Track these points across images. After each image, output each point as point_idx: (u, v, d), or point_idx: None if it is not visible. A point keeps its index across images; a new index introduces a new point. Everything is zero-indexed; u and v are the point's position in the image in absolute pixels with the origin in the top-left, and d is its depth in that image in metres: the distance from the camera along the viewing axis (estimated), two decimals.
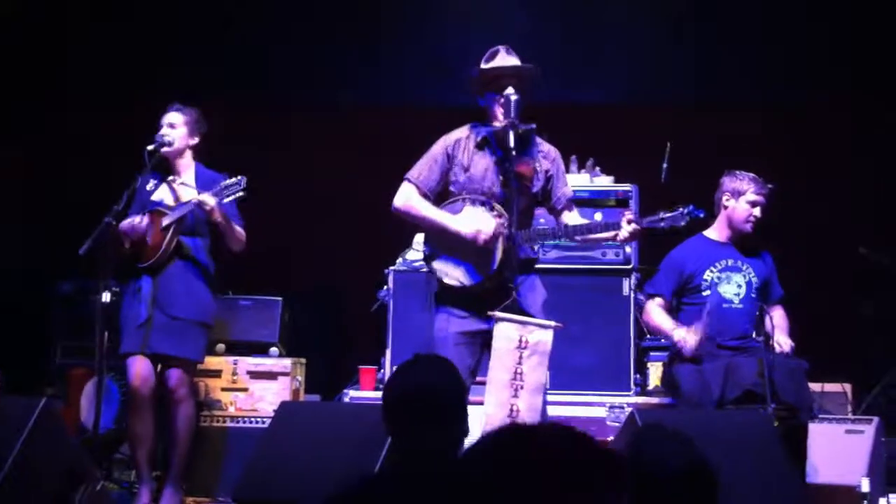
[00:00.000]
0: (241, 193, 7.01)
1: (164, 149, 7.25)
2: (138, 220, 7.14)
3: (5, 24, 9.34)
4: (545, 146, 6.55)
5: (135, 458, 7.18)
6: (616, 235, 6.26)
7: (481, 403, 6.11)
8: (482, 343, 6.23)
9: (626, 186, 8.22)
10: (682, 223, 6.21)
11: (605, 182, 8.32)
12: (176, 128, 7.34)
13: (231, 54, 9.77)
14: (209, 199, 6.98)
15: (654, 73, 9.81)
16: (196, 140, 7.41)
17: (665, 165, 8.01)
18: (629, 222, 6.16)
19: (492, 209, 6.24)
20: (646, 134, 9.20)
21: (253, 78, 10.07)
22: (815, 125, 9.67)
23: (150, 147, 7.17)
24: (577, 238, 6.50)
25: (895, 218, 9.30)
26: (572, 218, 6.54)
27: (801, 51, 9.36)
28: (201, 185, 7.25)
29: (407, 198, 6.43)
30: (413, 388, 3.94)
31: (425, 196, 6.41)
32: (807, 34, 9.28)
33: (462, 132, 6.50)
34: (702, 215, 6.30)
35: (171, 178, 7.36)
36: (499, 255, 6.15)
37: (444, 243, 6.30)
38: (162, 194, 7.34)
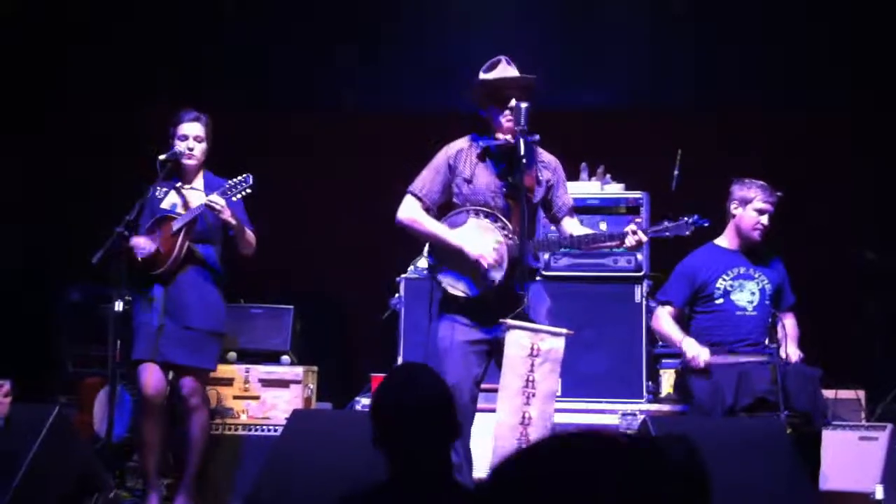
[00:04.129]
0: (248, 191, 6.99)
1: (186, 161, 7.20)
2: (144, 242, 7.08)
3: (5, 24, 9.30)
4: (545, 156, 6.56)
5: (144, 464, 7.15)
6: (621, 244, 6.29)
7: (489, 411, 6.16)
8: (488, 352, 6.27)
9: (637, 194, 8.18)
10: (687, 233, 6.30)
11: (615, 189, 8.30)
12: (201, 142, 7.25)
13: (231, 55, 9.74)
14: (218, 199, 6.94)
15: (656, 75, 9.82)
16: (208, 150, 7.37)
17: (676, 172, 8.02)
18: (634, 232, 6.21)
19: (496, 220, 6.25)
20: (653, 138, 9.23)
21: (253, 80, 10.06)
22: (816, 127, 9.70)
23: (162, 157, 7.09)
24: (582, 247, 6.54)
25: None
26: (573, 225, 6.57)
27: (801, 52, 9.38)
28: (210, 191, 7.18)
29: (410, 211, 6.43)
30: (401, 401, 3.94)
31: (428, 209, 6.43)
32: (807, 34, 9.29)
33: (463, 143, 6.50)
34: (706, 224, 6.37)
35: (179, 184, 7.28)
36: (505, 267, 6.17)
37: (448, 256, 6.30)
38: (172, 201, 7.27)
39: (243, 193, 7.00)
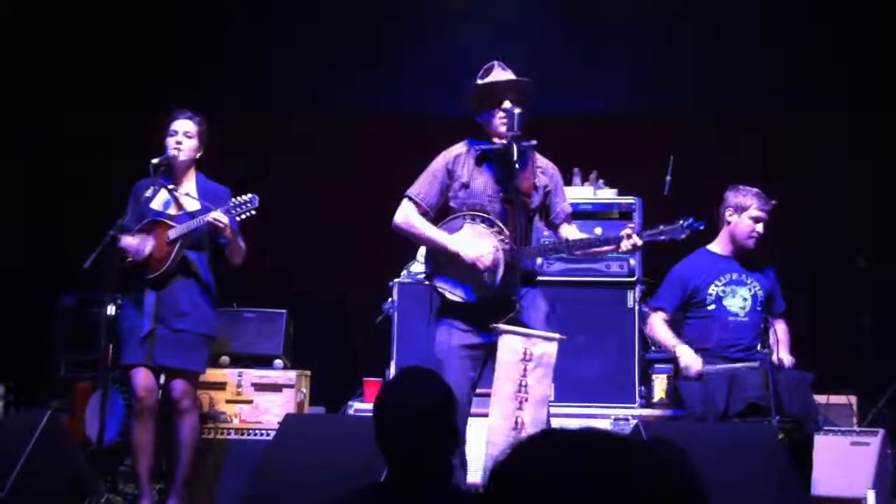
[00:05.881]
0: (253, 212, 6.92)
1: (174, 160, 7.17)
2: (136, 244, 7.03)
3: (5, 24, 9.29)
4: (543, 161, 6.55)
5: (136, 468, 7.11)
6: (616, 248, 6.27)
7: (482, 416, 6.14)
8: (484, 356, 6.26)
9: (630, 199, 8.19)
10: (682, 236, 6.27)
11: (608, 195, 8.30)
12: (191, 138, 7.19)
13: (231, 55, 9.73)
14: (222, 217, 6.88)
15: (655, 77, 9.77)
16: (202, 152, 7.30)
17: (668, 178, 7.99)
18: (629, 236, 6.19)
19: (492, 226, 6.24)
20: (648, 143, 9.20)
21: (253, 79, 10.05)
22: (816, 127, 9.66)
23: (155, 161, 7.03)
24: (578, 252, 6.52)
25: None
26: (571, 232, 6.56)
27: (801, 52, 9.33)
28: (203, 197, 7.12)
29: (407, 216, 6.43)
30: (405, 404, 3.93)
31: (426, 213, 6.43)
32: (807, 34, 9.25)
33: (461, 147, 6.50)
34: (701, 227, 6.33)
35: (171, 186, 7.20)
36: (500, 271, 6.15)
37: (445, 261, 6.30)
38: (162, 203, 7.22)
39: (248, 215, 6.96)
